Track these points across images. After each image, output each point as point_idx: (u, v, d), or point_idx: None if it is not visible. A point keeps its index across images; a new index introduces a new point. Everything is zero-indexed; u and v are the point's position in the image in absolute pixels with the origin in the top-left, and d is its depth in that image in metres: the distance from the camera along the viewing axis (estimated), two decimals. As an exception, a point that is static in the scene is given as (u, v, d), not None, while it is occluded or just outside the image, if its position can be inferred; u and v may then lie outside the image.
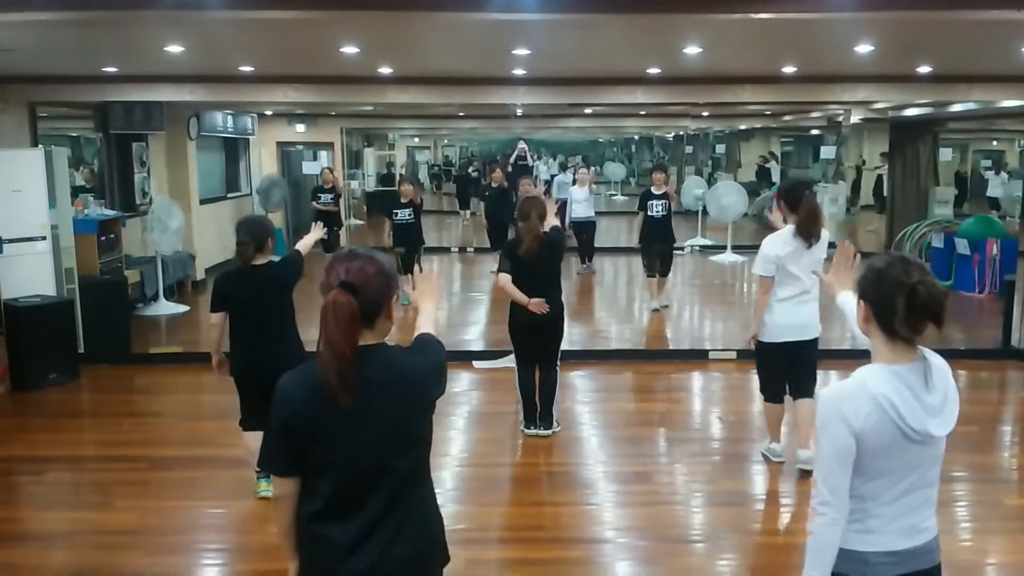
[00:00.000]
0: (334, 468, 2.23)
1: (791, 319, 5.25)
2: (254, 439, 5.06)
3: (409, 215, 10.37)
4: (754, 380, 5.84)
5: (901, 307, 2.18)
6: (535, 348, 6.08)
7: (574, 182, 13.45)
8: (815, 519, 2.28)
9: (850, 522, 2.28)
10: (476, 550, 4.65)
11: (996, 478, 5.72)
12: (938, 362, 2.30)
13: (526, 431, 6.19)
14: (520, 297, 5.85)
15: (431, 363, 2.39)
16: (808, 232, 5.12)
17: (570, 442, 6.19)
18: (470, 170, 22.00)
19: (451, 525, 4.94)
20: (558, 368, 6.22)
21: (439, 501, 5.24)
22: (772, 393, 5.58)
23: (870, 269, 2.29)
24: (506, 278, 5.88)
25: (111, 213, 9.75)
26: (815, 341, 5.37)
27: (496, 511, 5.16)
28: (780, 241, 5.22)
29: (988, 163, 18.99)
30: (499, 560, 4.61)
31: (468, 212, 20.40)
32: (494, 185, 13.05)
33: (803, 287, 5.20)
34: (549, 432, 6.17)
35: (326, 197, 12.81)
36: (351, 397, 2.16)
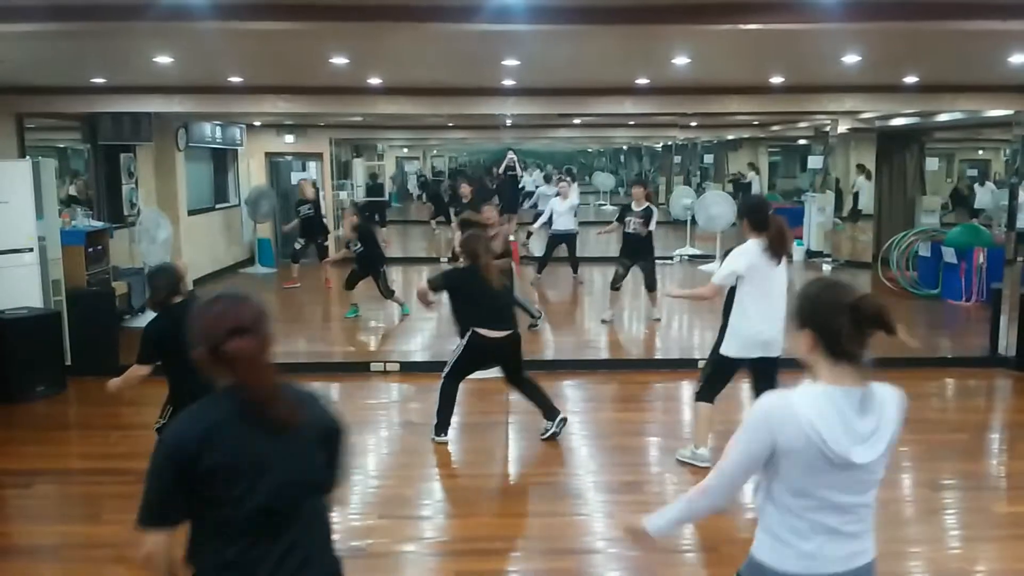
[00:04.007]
0: (257, 503, 2.18)
1: (760, 335, 5.27)
2: None
3: (358, 247, 10.41)
4: (742, 390, 5.84)
5: (846, 326, 2.24)
6: (502, 364, 6.19)
7: (557, 194, 13.50)
8: (696, 491, 2.45)
9: (784, 541, 2.33)
10: (465, 562, 4.63)
11: (985, 486, 5.73)
12: (883, 393, 2.32)
13: (438, 439, 6.22)
14: None
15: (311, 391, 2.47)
16: (779, 250, 5.25)
17: (559, 452, 6.18)
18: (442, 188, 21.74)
19: (439, 537, 4.95)
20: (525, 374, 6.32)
21: (428, 512, 5.25)
22: (711, 396, 5.66)
23: (806, 298, 2.37)
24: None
25: (99, 224, 9.71)
26: (777, 359, 5.36)
27: (485, 522, 5.14)
28: (748, 253, 5.28)
29: (974, 172, 19.10)
30: (489, 572, 4.59)
31: (435, 222, 19.85)
32: (464, 201, 13.02)
33: (773, 304, 5.24)
34: (560, 425, 6.28)
35: (304, 209, 13.05)
36: (294, 417, 2.20)
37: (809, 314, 2.34)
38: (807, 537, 2.30)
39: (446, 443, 6.25)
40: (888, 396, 2.33)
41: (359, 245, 10.38)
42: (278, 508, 2.21)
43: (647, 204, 9.94)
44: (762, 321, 5.25)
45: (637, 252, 9.98)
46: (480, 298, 6.02)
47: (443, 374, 6.18)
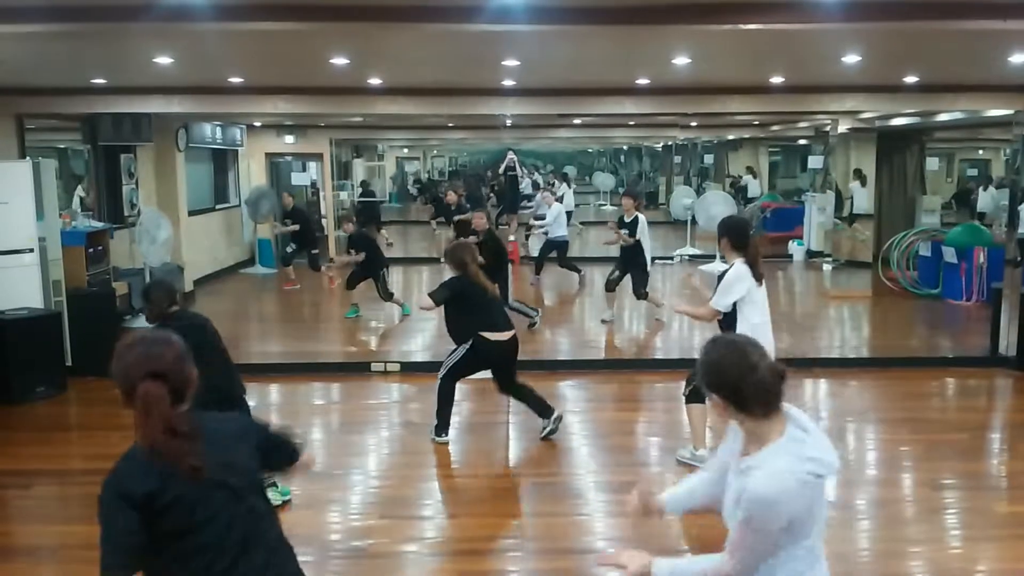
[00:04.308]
0: (214, 534, 2.21)
1: (768, 344, 5.33)
2: None
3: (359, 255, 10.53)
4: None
5: (751, 391, 2.20)
6: (498, 371, 6.23)
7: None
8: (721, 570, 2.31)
9: None
10: (466, 562, 4.63)
11: (986, 485, 5.73)
12: (789, 407, 2.31)
13: (438, 439, 6.23)
14: None
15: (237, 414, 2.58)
16: (757, 270, 5.38)
17: (560, 452, 6.19)
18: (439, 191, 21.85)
19: (440, 537, 4.94)
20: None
21: (429, 512, 5.25)
22: (701, 398, 5.67)
23: (707, 364, 2.29)
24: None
25: (99, 225, 9.70)
26: None
27: (486, 522, 5.14)
28: (744, 277, 5.36)
29: (974, 172, 19.10)
30: (489, 572, 4.59)
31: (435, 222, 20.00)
32: (452, 208, 12.98)
33: (764, 315, 5.38)
34: (557, 421, 6.30)
35: (289, 221, 13.34)
36: (205, 471, 2.19)
37: (713, 381, 2.28)
38: (818, 562, 2.30)
39: (447, 443, 6.25)
40: (793, 409, 2.31)
41: (359, 253, 10.50)
42: (238, 517, 2.24)
43: (635, 214, 10.00)
44: (767, 332, 5.32)
45: (626, 260, 10.11)
46: (480, 303, 6.10)
47: (440, 375, 6.20)
